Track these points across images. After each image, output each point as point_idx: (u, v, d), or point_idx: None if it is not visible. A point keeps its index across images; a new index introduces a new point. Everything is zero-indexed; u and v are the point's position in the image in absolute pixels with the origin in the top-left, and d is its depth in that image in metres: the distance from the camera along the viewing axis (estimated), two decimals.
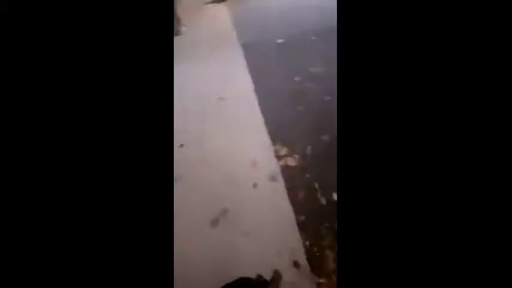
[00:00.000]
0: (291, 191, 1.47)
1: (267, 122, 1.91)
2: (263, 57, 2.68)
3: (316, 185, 1.51)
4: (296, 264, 1.25)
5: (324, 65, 2.37)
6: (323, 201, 1.45)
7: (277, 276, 1.12)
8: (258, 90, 2.22)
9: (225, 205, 1.45)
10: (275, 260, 1.24)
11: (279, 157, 1.67)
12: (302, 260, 1.24)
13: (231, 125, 1.96)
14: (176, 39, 3.21)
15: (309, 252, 1.25)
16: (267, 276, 1.13)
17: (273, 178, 1.55)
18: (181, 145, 1.84)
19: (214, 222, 1.39)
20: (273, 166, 1.60)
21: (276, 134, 1.80)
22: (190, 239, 1.32)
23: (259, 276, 1.10)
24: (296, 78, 2.29)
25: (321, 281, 1.20)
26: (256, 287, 1.06)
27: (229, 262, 1.23)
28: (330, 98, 2.04)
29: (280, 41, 2.95)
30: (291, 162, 1.64)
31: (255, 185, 1.50)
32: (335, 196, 1.45)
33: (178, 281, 1.05)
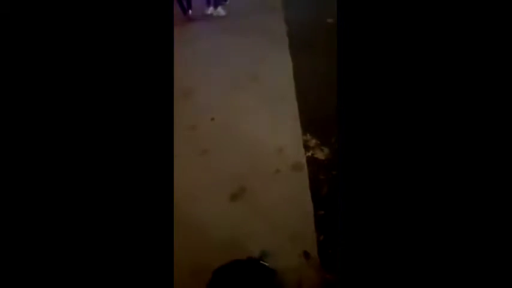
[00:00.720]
0: (314, 184, 1.45)
1: (301, 110, 1.87)
2: (309, 37, 2.49)
3: None
4: (306, 255, 1.26)
5: None
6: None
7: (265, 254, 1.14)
8: (298, 75, 2.13)
9: (244, 184, 1.47)
10: (285, 246, 1.26)
11: (307, 147, 1.63)
12: (313, 252, 1.24)
13: (264, 107, 1.93)
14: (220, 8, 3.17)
15: (321, 247, 1.25)
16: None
17: (297, 168, 1.53)
18: (212, 119, 1.86)
19: (233, 197, 1.42)
20: (299, 156, 1.58)
21: (308, 124, 1.76)
22: (208, 208, 1.37)
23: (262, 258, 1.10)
24: None
25: (328, 276, 1.20)
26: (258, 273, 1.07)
27: (241, 238, 1.26)
28: None
29: (330, 20, 2.71)
30: (319, 154, 1.60)
31: (277, 171, 1.50)
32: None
33: (190, 248, 1.10)
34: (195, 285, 1.05)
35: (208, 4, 3.33)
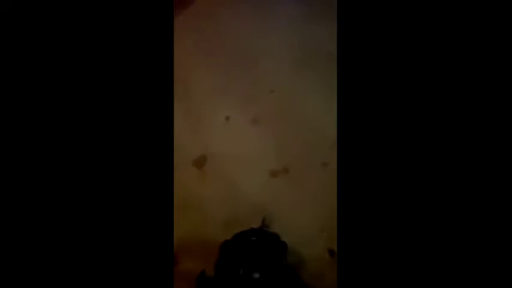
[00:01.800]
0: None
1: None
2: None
3: None
4: (331, 252, 1.23)
5: None
6: None
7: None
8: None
9: (288, 166, 1.43)
10: (311, 241, 1.24)
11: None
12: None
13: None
14: None
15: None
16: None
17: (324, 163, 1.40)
18: (272, 91, 1.77)
19: (274, 174, 1.40)
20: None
21: None
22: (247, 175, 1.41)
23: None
24: None
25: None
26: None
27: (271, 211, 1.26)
28: None
29: None
30: None
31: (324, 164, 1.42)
32: None
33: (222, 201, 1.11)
34: (226, 235, 1.13)
35: None
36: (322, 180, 1.39)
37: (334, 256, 1.24)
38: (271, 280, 0.97)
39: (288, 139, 1.54)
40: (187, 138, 1.51)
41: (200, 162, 1.49)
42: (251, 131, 1.58)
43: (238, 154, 1.48)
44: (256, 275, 0.96)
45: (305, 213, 1.35)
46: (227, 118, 1.58)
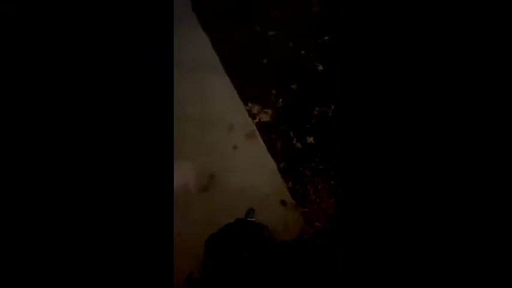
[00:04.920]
0: (269, 143, 1.64)
1: (235, 84, 1.84)
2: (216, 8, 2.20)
3: (291, 133, 1.67)
4: (283, 203, 1.49)
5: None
6: (299, 145, 1.65)
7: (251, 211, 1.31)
8: (217, 48, 2.00)
9: (211, 170, 1.52)
10: (266, 203, 1.43)
11: (253, 115, 1.75)
12: (288, 198, 1.49)
13: (204, 93, 1.84)
14: None
15: (292, 191, 1.50)
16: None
17: (250, 136, 1.68)
18: None
19: (206, 188, 1.48)
20: (248, 126, 1.71)
21: (246, 93, 1.79)
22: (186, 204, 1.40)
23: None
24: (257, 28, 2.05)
25: (306, 209, 1.48)
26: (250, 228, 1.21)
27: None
28: (293, 44, 1.92)
29: None
30: (265, 117, 1.74)
31: (235, 147, 1.64)
32: (309, 139, 1.65)
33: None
34: None
35: None
36: (241, 160, 1.61)
37: (286, 204, 1.47)
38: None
39: (196, 153, 1.57)
40: None
41: None
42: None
43: None
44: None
45: (248, 188, 1.47)
46: None
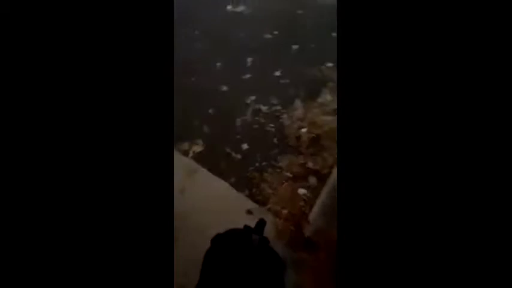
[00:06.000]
0: (213, 167, 1.75)
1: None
2: None
3: (227, 149, 1.82)
4: (249, 212, 1.59)
5: None
6: (239, 156, 1.80)
7: (261, 223, 1.27)
8: None
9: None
10: (235, 221, 1.50)
11: (185, 152, 1.83)
12: (250, 205, 1.60)
13: None
14: None
15: (251, 197, 1.63)
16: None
17: (193, 171, 1.75)
18: None
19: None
20: (186, 163, 1.77)
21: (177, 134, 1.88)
22: None
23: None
24: None
25: (269, 205, 1.59)
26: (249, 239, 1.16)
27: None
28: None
29: None
30: (198, 148, 1.85)
31: (182, 191, 1.66)
32: (244, 146, 1.81)
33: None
34: None
35: None
36: (187, 200, 1.67)
37: (253, 213, 1.57)
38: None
39: None
40: None
41: None
42: None
43: None
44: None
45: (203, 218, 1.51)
46: None
